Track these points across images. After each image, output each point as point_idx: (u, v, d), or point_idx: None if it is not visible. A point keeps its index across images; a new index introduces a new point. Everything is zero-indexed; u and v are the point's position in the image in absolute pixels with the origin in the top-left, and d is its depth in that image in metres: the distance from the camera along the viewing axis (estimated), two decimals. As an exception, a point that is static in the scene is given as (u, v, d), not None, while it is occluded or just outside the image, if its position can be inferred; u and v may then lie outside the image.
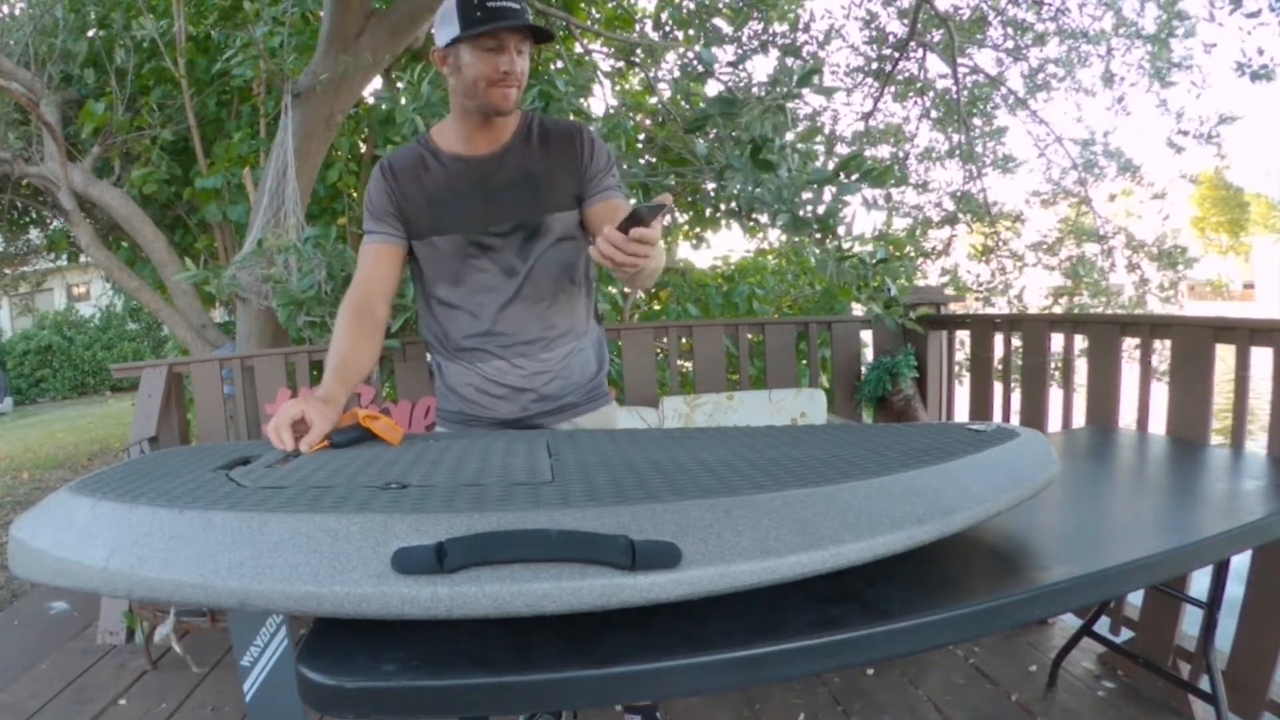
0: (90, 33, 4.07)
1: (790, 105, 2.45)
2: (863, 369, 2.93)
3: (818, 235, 2.44)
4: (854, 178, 2.34)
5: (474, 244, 1.33)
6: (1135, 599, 1.96)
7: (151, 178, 3.77)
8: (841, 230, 2.42)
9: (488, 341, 1.36)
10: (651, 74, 3.95)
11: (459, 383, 1.41)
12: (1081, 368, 2.14)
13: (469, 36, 1.20)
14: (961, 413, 2.83)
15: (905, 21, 4.87)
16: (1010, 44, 5.03)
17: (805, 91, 2.44)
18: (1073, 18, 4.79)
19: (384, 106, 3.71)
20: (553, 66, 4.02)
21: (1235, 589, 1.52)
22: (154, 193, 3.84)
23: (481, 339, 1.36)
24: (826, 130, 5.23)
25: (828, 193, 2.41)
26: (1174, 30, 4.48)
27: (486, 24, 1.19)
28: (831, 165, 2.47)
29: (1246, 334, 1.65)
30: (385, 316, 1.36)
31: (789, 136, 2.46)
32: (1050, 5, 4.80)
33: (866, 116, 5.32)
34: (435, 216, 1.33)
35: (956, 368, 3.04)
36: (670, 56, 4.13)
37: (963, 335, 2.86)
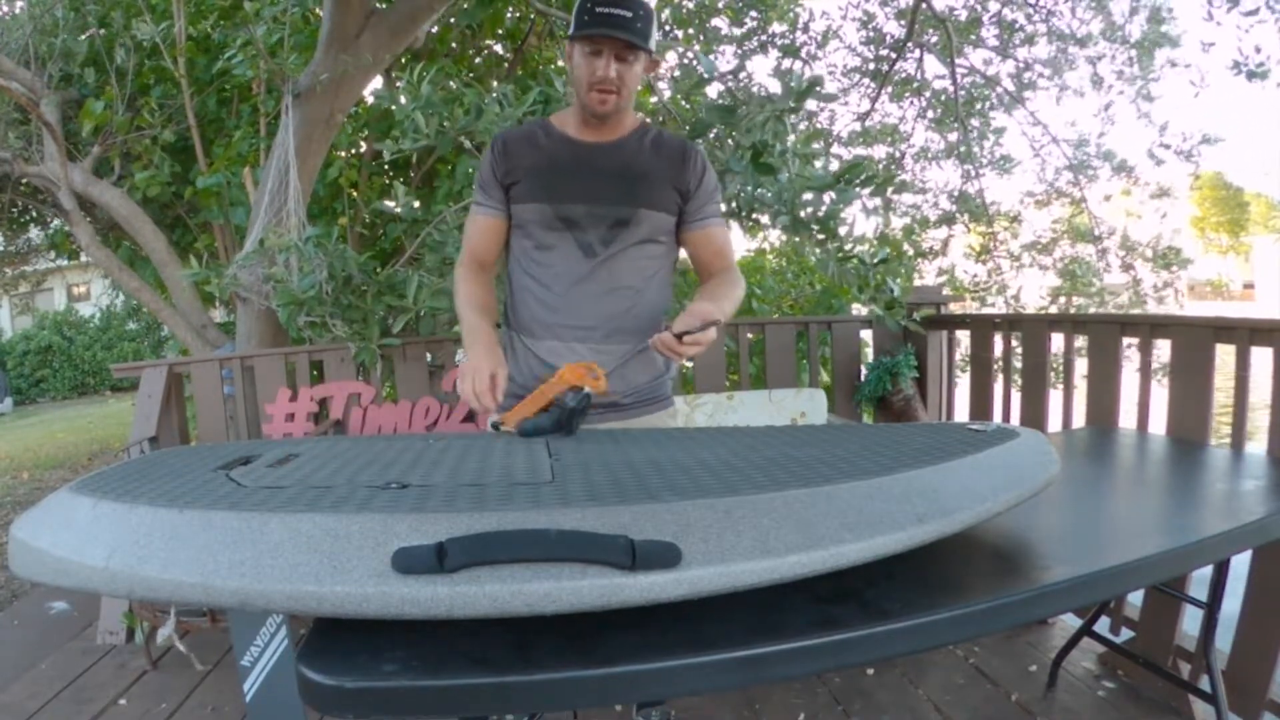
0: (90, 32, 4.07)
1: (790, 115, 2.44)
2: (863, 369, 2.93)
3: (818, 237, 2.44)
4: (854, 185, 2.34)
5: (560, 217, 1.35)
6: (1135, 599, 1.96)
7: (155, 180, 3.77)
8: (842, 231, 2.42)
9: (550, 317, 1.37)
10: (651, 74, 3.95)
11: (517, 363, 1.42)
12: (1081, 368, 2.14)
13: (573, 38, 1.30)
14: (961, 413, 2.83)
15: (903, 23, 4.88)
16: (999, 44, 5.04)
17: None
18: (1063, 20, 4.81)
19: (385, 105, 3.72)
20: (552, 66, 4.02)
21: (1235, 589, 1.52)
22: (156, 194, 3.84)
23: (545, 314, 1.37)
24: (824, 129, 5.23)
25: (827, 196, 2.41)
26: (1160, 42, 4.49)
27: (585, 29, 1.27)
28: (830, 165, 2.48)
29: (1246, 334, 1.65)
30: (493, 276, 1.47)
31: (790, 141, 2.45)
32: (1042, 7, 4.81)
33: (863, 117, 5.32)
34: (531, 184, 1.36)
35: (956, 368, 3.04)
36: (670, 56, 4.13)
37: (962, 335, 2.86)
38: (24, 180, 4.09)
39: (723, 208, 1.47)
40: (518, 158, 1.37)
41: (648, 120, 1.45)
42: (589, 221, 1.35)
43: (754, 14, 4.62)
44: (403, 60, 3.67)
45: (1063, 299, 4.77)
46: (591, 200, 1.34)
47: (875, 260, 2.40)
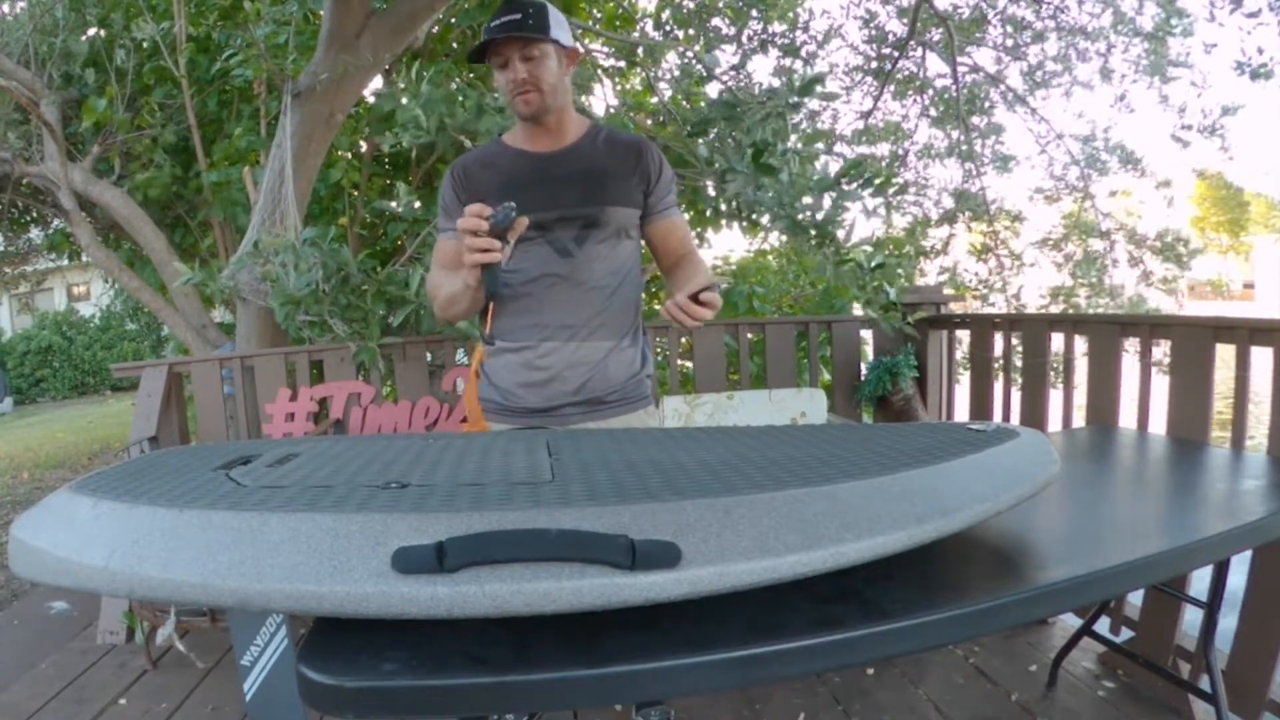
0: (90, 32, 4.07)
1: (791, 113, 2.45)
2: (863, 369, 2.93)
3: (816, 240, 2.44)
4: (855, 185, 2.35)
5: (532, 225, 1.35)
6: (1135, 599, 1.96)
7: (155, 182, 3.77)
8: (841, 235, 2.42)
9: (529, 319, 1.38)
10: (652, 74, 3.96)
11: (496, 368, 1.43)
12: (1081, 368, 2.14)
13: (481, 62, 1.35)
14: (961, 413, 2.83)
15: (905, 21, 4.87)
16: (1010, 42, 5.04)
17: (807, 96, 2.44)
18: (1072, 15, 4.80)
19: (385, 108, 3.71)
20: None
21: (1235, 589, 1.52)
22: (157, 195, 3.84)
23: (523, 318, 1.39)
24: (826, 128, 5.23)
25: (827, 198, 2.41)
26: (1172, 28, 4.49)
27: (482, 47, 1.32)
28: (832, 165, 2.47)
29: (1246, 334, 1.65)
30: None
31: (792, 141, 2.46)
32: (1049, 3, 4.81)
33: (866, 115, 5.32)
34: (495, 201, 1.35)
35: (956, 367, 3.04)
36: (671, 56, 4.14)
37: (962, 335, 2.86)
38: (24, 180, 4.09)
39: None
40: (478, 180, 1.41)
41: (595, 122, 1.48)
42: (559, 225, 1.37)
43: (754, 14, 4.62)
44: (403, 60, 3.67)
45: (1064, 299, 4.77)
46: (558, 205, 1.36)
47: (872, 265, 2.41)
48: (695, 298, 1.19)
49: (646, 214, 1.45)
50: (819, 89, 2.42)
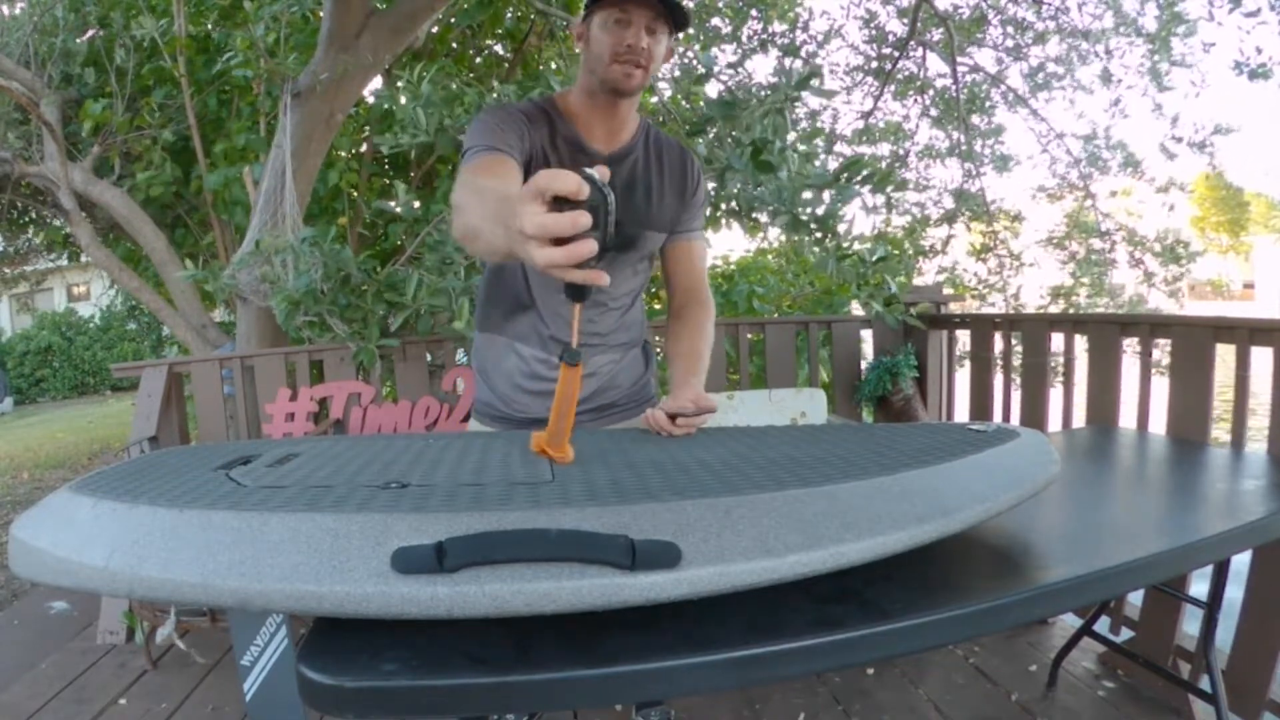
0: (90, 32, 4.07)
1: (790, 109, 2.44)
2: (863, 369, 2.93)
3: (817, 235, 2.44)
4: (855, 182, 2.35)
5: None
6: (1135, 599, 1.96)
7: (157, 180, 3.77)
8: (841, 229, 2.42)
9: (541, 330, 1.32)
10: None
11: (497, 371, 1.37)
12: (1081, 367, 2.14)
13: (598, 7, 1.17)
14: (961, 413, 2.83)
15: (905, 21, 4.88)
16: (1010, 43, 5.04)
17: (805, 93, 2.44)
18: (1073, 16, 4.80)
19: (385, 105, 3.71)
20: (553, 65, 4.02)
21: (1235, 589, 1.52)
22: (158, 195, 3.84)
23: (533, 325, 1.32)
24: (826, 129, 5.23)
25: (827, 194, 2.41)
26: (1174, 30, 4.49)
27: None
28: (831, 163, 2.48)
29: (1246, 334, 1.65)
30: None
31: (790, 138, 2.46)
32: (1050, 4, 4.81)
33: (866, 115, 5.32)
34: None
35: (956, 367, 3.04)
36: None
37: (962, 335, 2.86)
38: (24, 180, 4.09)
39: (707, 213, 1.41)
40: (538, 131, 1.23)
41: (643, 119, 1.38)
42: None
43: (754, 13, 4.62)
44: (403, 60, 3.67)
45: (1064, 298, 4.78)
46: None
47: (874, 259, 2.41)
48: (674, 418, 1.16)
49: (674, 230, 1.37)
50: (815, 83, 2.41)
